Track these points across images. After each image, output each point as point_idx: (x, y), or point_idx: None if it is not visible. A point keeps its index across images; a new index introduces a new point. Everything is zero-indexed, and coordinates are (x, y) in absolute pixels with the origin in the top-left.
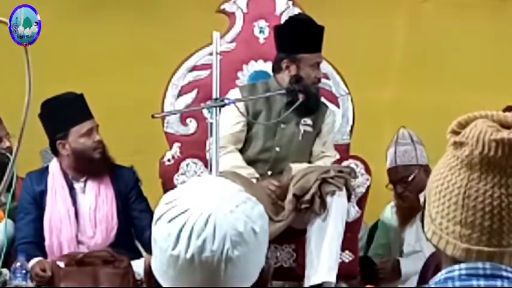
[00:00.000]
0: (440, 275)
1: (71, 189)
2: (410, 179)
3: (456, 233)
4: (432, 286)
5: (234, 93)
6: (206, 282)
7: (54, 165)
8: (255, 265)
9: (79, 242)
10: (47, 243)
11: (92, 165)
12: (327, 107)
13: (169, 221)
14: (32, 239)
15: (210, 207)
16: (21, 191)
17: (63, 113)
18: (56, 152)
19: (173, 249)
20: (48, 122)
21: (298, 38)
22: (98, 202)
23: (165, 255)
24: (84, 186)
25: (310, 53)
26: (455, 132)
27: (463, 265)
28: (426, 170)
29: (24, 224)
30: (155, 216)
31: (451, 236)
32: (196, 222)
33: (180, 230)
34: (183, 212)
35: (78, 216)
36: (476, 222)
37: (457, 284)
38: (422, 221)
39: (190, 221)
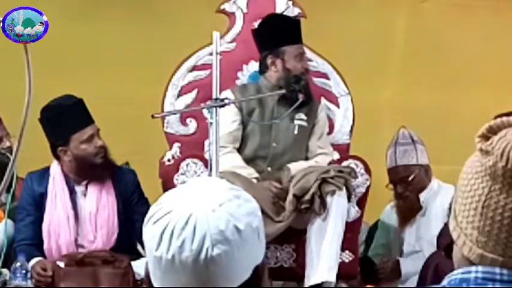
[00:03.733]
0: (456, 274)
1: (72, 193)
2: (410, 179)
3: (473, 237)
4: (446, 286)
5: (225, 95)
6: (190, 282)
7: (55, 168)
8: (241, 263)
9: (79, 246)
10: (45, 246)
11: (94, 170)
12: (318, 102)
13: (154, 223)
14: (31, 241)
15: (191, 207)
16: (22, 191)
17: (63, 120)
18: (56, 157)
19: (156, 250)
20: (48, 129)
21: (277, 32)
22: (99, 206)
23: (151, 256)
24: (86, 189)
25: (290, 44)
26: (485, 137)
27: (480, 268)
28: (427, 169)
29: (23, 225)
30: (145, 218)
31: (468, 238)
32: (177, 222)
33: (163, 231)
34: (167, 213)
35: (79, 219)
36: (493, 232)
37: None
38: (450, 209)
39: (172, 222)
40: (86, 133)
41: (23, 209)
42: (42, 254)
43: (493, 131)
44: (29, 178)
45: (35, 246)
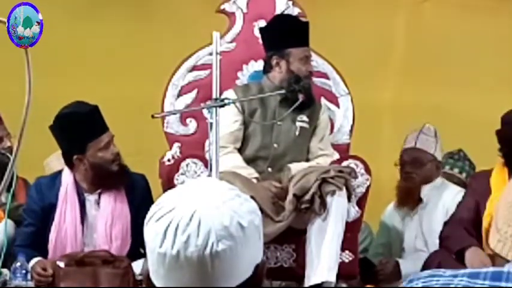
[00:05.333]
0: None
1: (82, 205)
2: (425, 161)
3: None
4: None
5: (228, 94)
6: (195, 278)
7: (67, 178)
8: (244, 261)
9: None
10: (50, 257)
11: (110, 178)
12: (320, 104)
13: (156, 221)
14: (31, 248)
15: (195, 204)
16: (30, 196)
17: (79, 128)
18: (70, 165)
19: (160, 247)
20: (63, 137)
21: (284, 33)
22: (114, 217)
23: (154, 254)
24: (99, 198)
25: (297, 46)
26: None
27: None
28: (438, 166)
29: (25, 232)
30: (146, 218)
31: None
32: (181, 219)
33: (166, 228)
34: (169, 211)
35: (90, 230)
36: None
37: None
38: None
39: (176, 219)
40: (102, 140)
41: (28, 215)
42: (42, 256)
43: None
44: (39, 184)
45: (36, 250)
